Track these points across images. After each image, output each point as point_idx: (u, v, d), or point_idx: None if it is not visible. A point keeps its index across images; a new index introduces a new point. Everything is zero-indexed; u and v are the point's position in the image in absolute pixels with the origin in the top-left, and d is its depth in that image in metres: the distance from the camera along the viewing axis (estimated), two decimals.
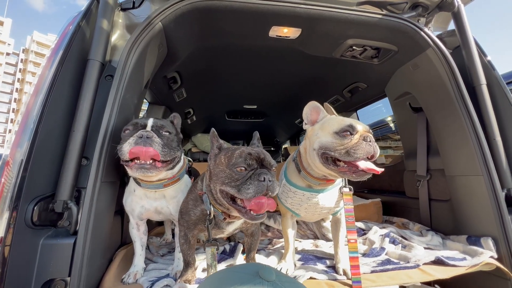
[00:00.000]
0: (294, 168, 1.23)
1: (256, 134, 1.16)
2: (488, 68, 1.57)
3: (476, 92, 1.51)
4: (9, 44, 59.38)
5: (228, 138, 5.67)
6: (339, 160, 1.02)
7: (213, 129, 1.10)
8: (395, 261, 1.33)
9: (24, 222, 0.93)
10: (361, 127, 1.04)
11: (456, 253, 1.40)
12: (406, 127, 2.19)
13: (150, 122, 1.14)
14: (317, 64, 2.21)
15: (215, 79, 2.60)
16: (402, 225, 2.01)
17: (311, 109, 1.18)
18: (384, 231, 1.68)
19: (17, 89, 62.50)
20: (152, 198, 1.24)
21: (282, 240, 1.67)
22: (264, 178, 0.90)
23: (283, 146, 5.79)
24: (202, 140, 4.04)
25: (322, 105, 1.20)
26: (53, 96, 1.03)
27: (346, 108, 3.04)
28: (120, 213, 1.43)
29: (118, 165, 1.17)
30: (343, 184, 1.24)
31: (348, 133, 1.00)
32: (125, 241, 1.49)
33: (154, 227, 2.11)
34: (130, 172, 1.12)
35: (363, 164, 0.96)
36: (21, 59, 62.15)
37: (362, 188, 3.00)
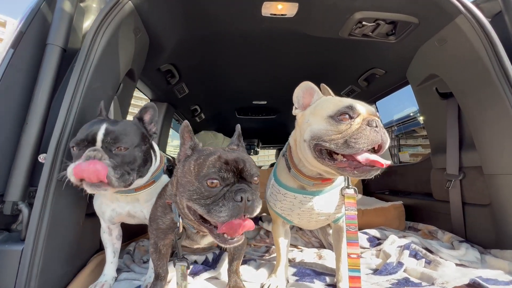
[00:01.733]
0: (284, 165, 1.01)
1: (237, 128, 0.96)
2: None
3: None
4: None
5: None
6: (337, 153, 0.79)
7: (186, 121, 0.88)
8: (416, 281, 1.06)
9: None
10: (364, 109, 0.80)
11: (499, 273, 1.09)
12: (432, 117, 1.85)
13: (100, 134, 0.88)
14: (325, 49, 1.95)
15: (215, 73, 2.44)
16: (428, 233, 1.69)
17: (304, 91, 0.94)
18: (404, 241, 1.39)
19: None
20: (124, 201, 1.10)
21: None
22: (241, 197, 0.70)
23: None
24: (205, 137, 3.93)
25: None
26: (3, 83, 0.92)
27: (363, 99, 2.69)
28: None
29: None
30: (346, 184, 1.00)
31: (347, 116, 0.76)
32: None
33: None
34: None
35: (363, 157, 0.72)
36: None
37: (383, 190, 2.66)
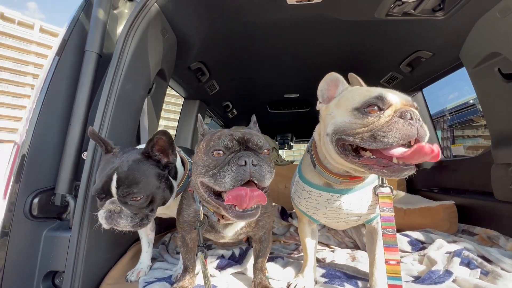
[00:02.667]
0: (309, 162, 0.95)
1: (253, 118, 0.97)
2: None
3: None
4: None
5: (274, 131, 5.47)
6: (364, 149, 0.71)
7: (199, 114, 0.97)
8: None
9: (23, 213, 0.95)
10: (397, 99, 0.69)
11: None
12: (494, 103, 1.57)
13: (113, 187, 0.87)
14: (359, 34, 1.79)
15: (244, 67, 2.43)
16: (487, 239, 1.46)
17: (328, 83, 0.87)
18: (455, 247, 1.22)
19: None
20: None
21: None
22: (245, 161, 0.70)
23: None
24: None
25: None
26: (51, 89, 1.04)
27: (407, 87, 2.44)
28: None
29: None
30: (379, 183, 0.90)
31: (376, 108, 0.68)
32: None
33: None
34: None
35: (397, 151, 0.63)
36: None
37: (431, 187, 2.38)
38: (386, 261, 0.79)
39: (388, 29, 1.69)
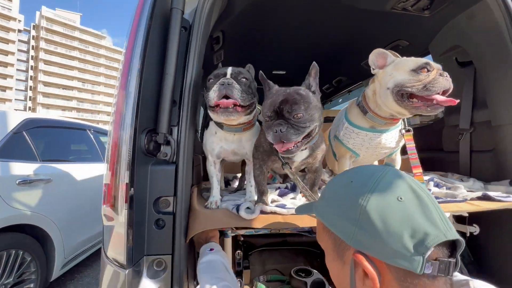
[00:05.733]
0: (358, 111, 1.33)
1: (314, 64, 1.17)
2: None
3: None
4: (19, 21, 59.18)
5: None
6: (412, 98, 1.12)
7: (260, 71, 1.24)
8: (443, 198, 1.47)
9: (140, 148, 1.10)
10: (436, 64, 1.12)
11: (500, 193, 1.51)
12: None
13: (229, 70, 1.26)
14: (358, 20, 2.18)
15: (251, 43, 2.63)
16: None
17: (377, 56, 1.25)
18: (427, 177, 1.80)
19: (32, 66, 63.48)
20: (230, 141, 1.41)
21: None
22: (276, 130, 1.04)
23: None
24: None
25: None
26: (150, 46, 1.16)
27: None
28: None
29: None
30: (403, 126, 1.34)
31: (426, 69, 1.08)
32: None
33: None
34: (215, 116, 1.29)
35: (441, 97, 1.06)
36: (33, 36, 62.27)
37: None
38: (415, 174, 1.25)
39: (382, 19, 2.14)
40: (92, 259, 3.74)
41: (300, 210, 0.87)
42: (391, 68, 1.18)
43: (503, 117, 1.67)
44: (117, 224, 1.06)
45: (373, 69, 1.25)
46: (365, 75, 3.02)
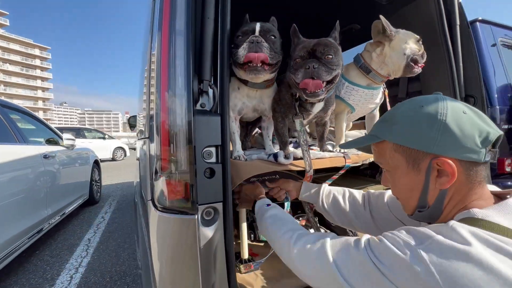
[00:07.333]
0: (358, 72, 1.60)
1: (337, 26, 1.34)
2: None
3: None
4: None
5: None
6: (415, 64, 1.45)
7: (294, 25, 1.32)
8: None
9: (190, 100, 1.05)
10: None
11: None
12: None
13: (257, 27, 1.24)
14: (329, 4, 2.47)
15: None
16: None
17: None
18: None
19: None
20: (252, 97, 1.44)
21: None
22: (309, 66, 1.15)
23: None
24: None
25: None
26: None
27: None
28: None
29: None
30: (384, 86, 1.70)
31: (421, 42, 1.48)
32: None
33: None
34: (243, 74, 1.30)
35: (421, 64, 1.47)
36: None
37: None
38: None
39: (348, 4, 2.49)
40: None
41: (353, 143, 0.96)
42: (404, 36, 1.48)
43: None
44: (174, 173, 1.00)
45: (391, 32, 1.50)
46: None
